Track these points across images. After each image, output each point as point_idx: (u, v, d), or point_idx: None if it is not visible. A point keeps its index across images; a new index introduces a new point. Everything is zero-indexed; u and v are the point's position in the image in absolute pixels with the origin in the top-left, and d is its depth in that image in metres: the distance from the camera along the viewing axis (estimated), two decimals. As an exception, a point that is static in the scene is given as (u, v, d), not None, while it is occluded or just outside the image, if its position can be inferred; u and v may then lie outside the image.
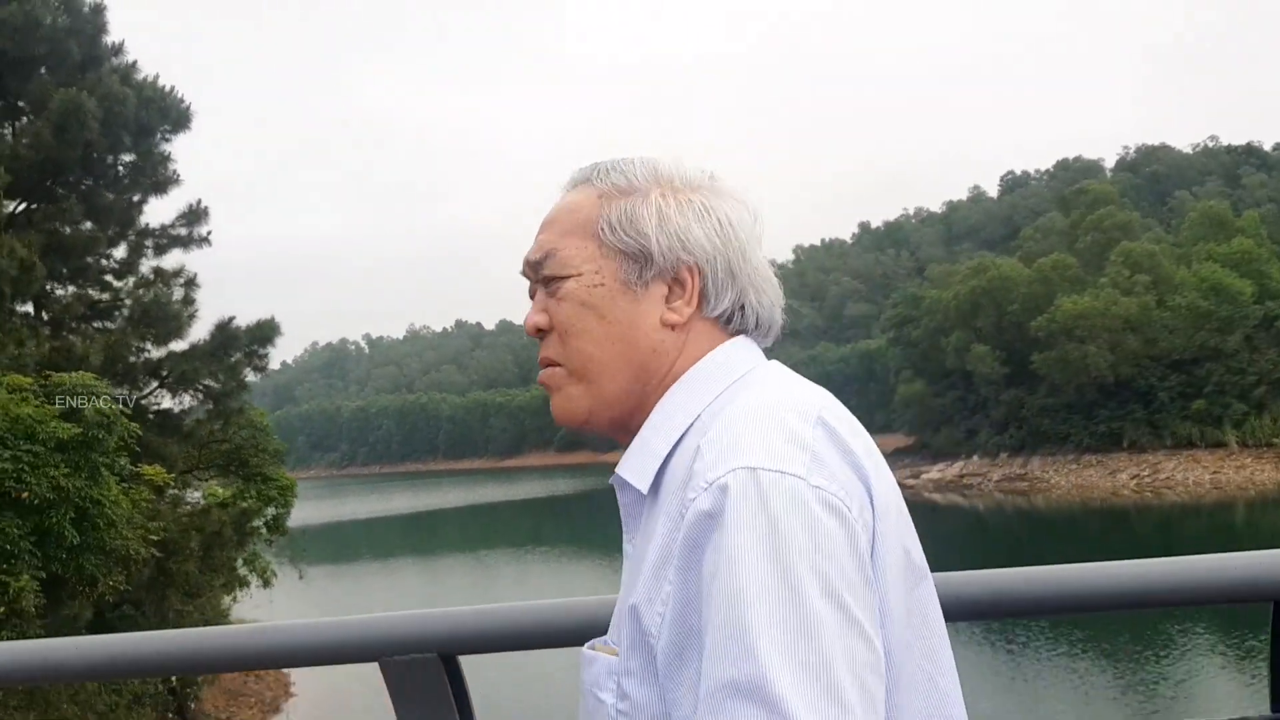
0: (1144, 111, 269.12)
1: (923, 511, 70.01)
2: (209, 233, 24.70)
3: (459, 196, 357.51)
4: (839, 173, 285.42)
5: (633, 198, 1.30)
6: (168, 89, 22.71)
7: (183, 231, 24.52)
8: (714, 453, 1.11)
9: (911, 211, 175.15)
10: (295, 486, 25.58)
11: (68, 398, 14.47)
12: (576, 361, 1.29)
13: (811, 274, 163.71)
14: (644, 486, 1.23)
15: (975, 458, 75.75)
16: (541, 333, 1.32)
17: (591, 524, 79.93)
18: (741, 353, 1.30)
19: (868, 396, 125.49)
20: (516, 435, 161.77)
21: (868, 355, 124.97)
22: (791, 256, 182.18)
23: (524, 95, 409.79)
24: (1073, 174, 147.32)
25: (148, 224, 24.00)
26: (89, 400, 14.55)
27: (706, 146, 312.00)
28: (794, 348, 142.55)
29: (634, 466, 1.25)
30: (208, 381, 23.02)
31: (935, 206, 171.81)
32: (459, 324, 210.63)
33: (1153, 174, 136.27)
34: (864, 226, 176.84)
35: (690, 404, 1.25)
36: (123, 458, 15.81)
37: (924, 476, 77.20)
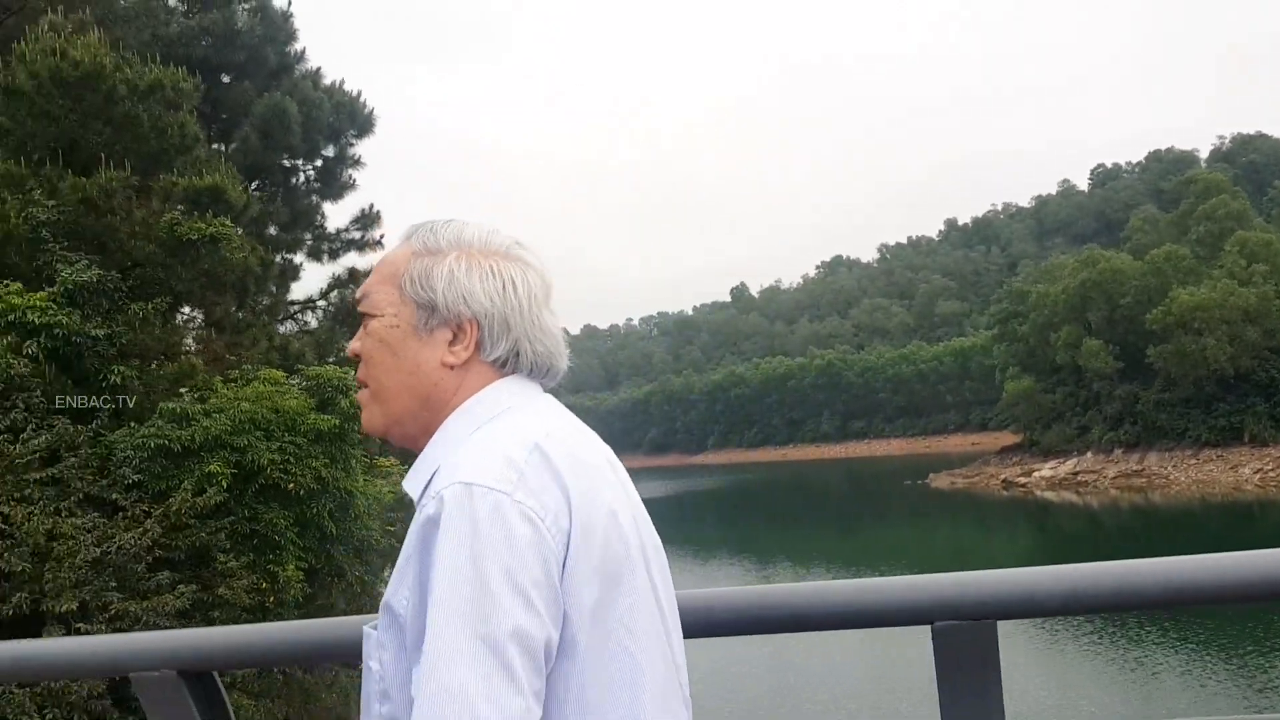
0: (1236, 101, 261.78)
1: (1034, 510, 68.89)
2: (381, 236, 25.17)
3: (538, 204, 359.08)
4: (922, 170, 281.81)
5: (434, 258, 1.56)
6: (354, 94, 23.15)
7: (356, 235, 24.98)
8: (447, 472, 1.38)
9: (1000, 207, 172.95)
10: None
11: (333, 391, 14.79)
12: (374, 386, 1.58)
13: (899, 272, 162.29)
14: (415, 496, 1.47)
15: (1089, 454, 74.21)
16: (357, 358, 1.61)
17: (680, 525, 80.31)
18: (506, 392, 1.55)
19: (963, 395, 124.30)
20: (604, 438, 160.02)
21: (962, 353, 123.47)
22: (876, 255, 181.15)
23: (595, 105, 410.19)
24: (1165, 165, 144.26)
25: (326, 227, 24.46)
26: (345, 394, 14.87)
27: (784, 148, 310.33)
28: (884, 346, 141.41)
29: (411, 480, 1.51)
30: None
31: (1024, 201, 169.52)
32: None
33: (1250, 164, 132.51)
34: (951, 223, 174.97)
35: (460, 432, 1.50)
36: (360, 450, 16.13)
37: (1036, 475, 75.85)
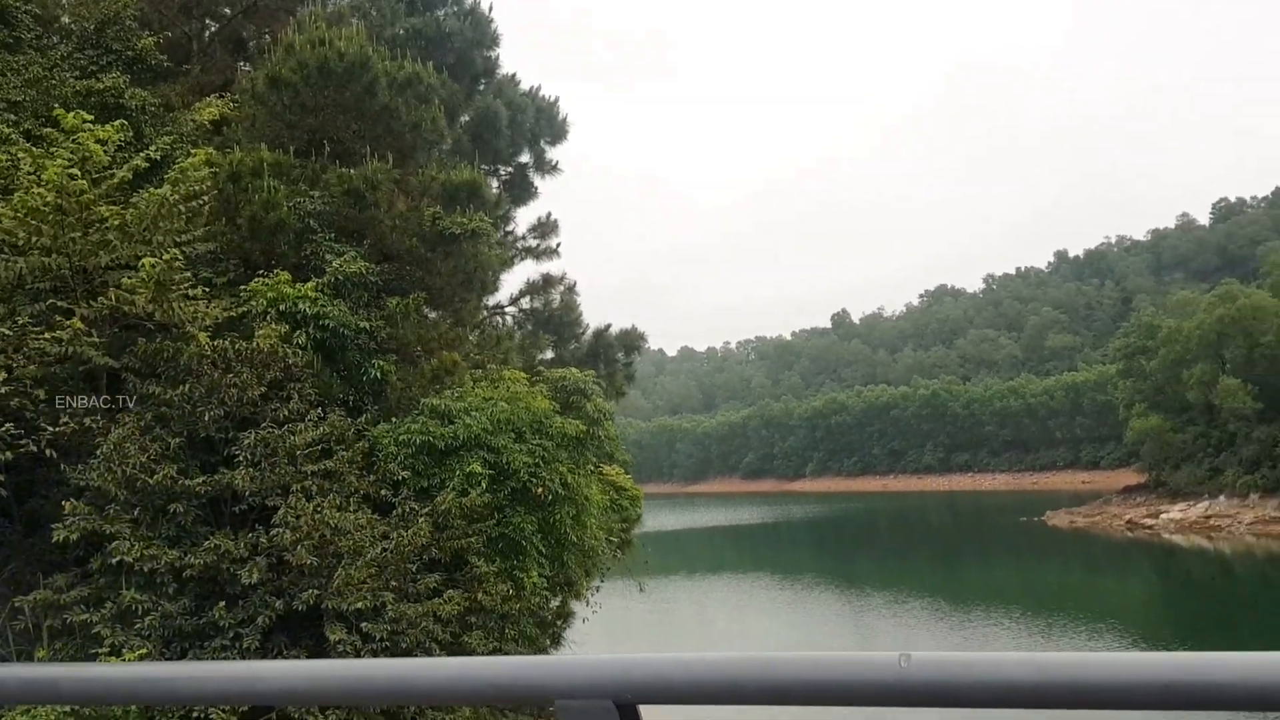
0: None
1: (1159, 554, 66.47)
2: (558, 245, 24.87)
3: (638, 226, 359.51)
4: (1029, 200, 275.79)
5: None
6: (552, 99, 22.94)
7: (534, 243, 24.72)
8: None
9: (1113, 240, 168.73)
10: (642, 497, 25.42)
11: (577, 395, 14.39)
12: None
13: (1007, 303, 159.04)
14: None
15: (1222, 498, 71.43)
16: None
17: (776, 553, 79.36)
18: None
19: (1074, 431, 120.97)
20: (701, 461, 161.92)
21: (1074, 388, 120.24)
22: (982, 286, 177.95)
23: (698, 124, 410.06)
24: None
25: (515, 232, 24.25)
26: (588, 397, 14.45)
27: (885, 175, 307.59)
28: (991, 378, 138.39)
29: None
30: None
31: (1139, 234, 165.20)
32: (641, 351, 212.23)
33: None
34: (1061, 255, 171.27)
35: None
36: (593, 456, 15.72)
37: (1164, 516, 73.29)
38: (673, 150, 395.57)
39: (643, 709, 1.81)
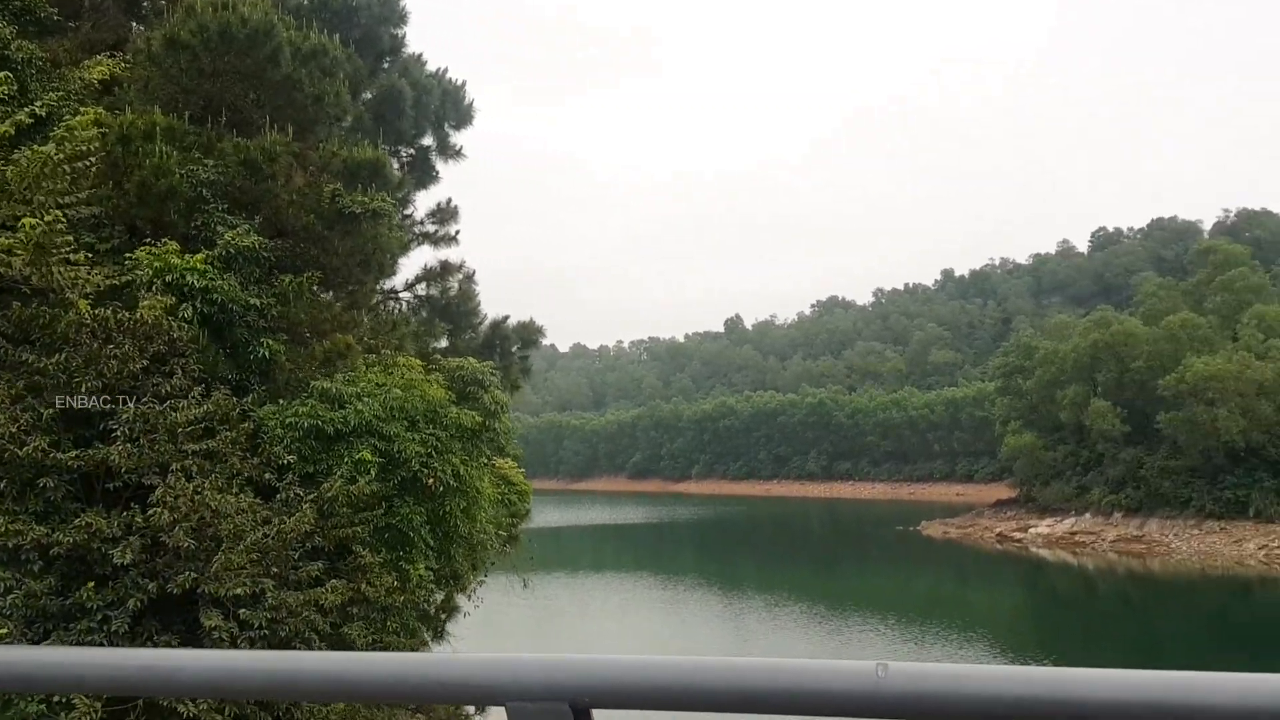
0: (1245, 175, 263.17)
1: (1026, 567, 68.80)
2: (457, 232, 24.47)
3: (533, 220, 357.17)
4: (922, 218, 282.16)
5: None
6: (459, 82, 22.55)
7: (432, 229, 24.26)
8: None
9: (997, 262, 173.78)
10: (531, 492, 25.16)
11: (474, 385, 14.10)
12: None
13: (894, 318, 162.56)
14: None
15: (1087, 515, 74.06)
16: None
17: (659, 553, 80.00)
18: None
19: (951, 445, 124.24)
20: (589, 458, 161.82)
21: (954, 403, 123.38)
22: (872, 299, 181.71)
23: (610, 115, 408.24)
24: (1168, 234, 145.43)
25: (414, 216, 23.76)
26: (486, 389, 14.19)
27: (783, 186, 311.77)
28: (875, 389, 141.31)
29: None
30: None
31: (1022, 258, 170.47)
32: (538, 345, 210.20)
33: (1254, 239, 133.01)
34: (948, 274, 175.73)
35: None
36: (486, 448, 15.47)
37: (1032, 531, 75.75)
38: (620, 148, 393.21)
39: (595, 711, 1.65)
